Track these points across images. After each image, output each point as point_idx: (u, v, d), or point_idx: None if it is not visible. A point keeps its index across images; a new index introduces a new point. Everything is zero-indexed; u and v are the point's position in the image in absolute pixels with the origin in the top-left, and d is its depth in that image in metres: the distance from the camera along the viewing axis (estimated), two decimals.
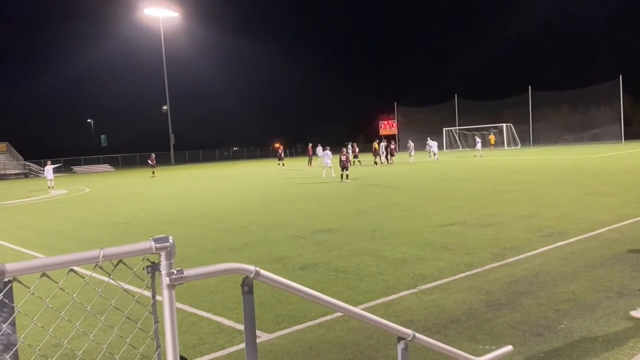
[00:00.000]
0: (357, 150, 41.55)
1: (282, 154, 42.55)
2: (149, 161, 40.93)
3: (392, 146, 39.74)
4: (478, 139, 49.38)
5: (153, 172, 39.71)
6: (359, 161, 40.20)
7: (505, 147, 60.60)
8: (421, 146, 53.73)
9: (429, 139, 45.44)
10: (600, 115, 62.00)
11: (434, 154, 41.86)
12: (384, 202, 15.16)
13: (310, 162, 43.63)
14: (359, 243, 9.40)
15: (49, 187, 30.73)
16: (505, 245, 8.57)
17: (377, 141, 41.44)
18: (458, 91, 74.02)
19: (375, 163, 37.98)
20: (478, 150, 45.83)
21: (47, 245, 11.28)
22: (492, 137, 59.31)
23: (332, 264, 7.92)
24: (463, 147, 67.91)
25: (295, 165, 44.91)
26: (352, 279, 7.03)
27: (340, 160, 24.29)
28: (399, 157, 43.39)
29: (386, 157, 38.82)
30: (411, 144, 42.98)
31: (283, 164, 41.44)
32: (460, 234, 9.67)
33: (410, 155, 42.19)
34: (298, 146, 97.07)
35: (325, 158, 28.31)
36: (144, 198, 21.71)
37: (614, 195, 13.62)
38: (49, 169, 31.66)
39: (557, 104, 66.12)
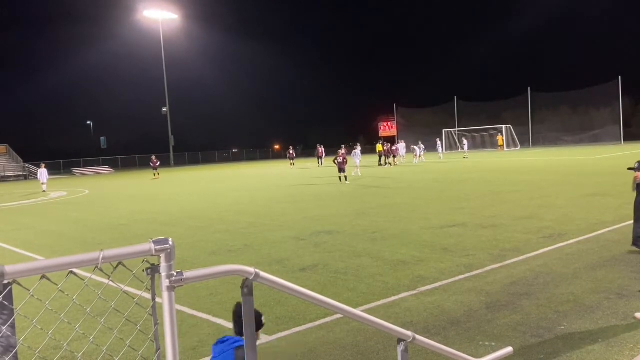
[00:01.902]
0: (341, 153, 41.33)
1: (294, 154, 48.57)
2: (150, 163, 40.34)
3: (394, 147, 40.05)
4: (465, 141, 50.79)
5: (155, 174, 39.10)
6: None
7: (505, 149, 60.58)
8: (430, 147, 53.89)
9: (437, 142, 46.53)
10: (600, 117, 62.01)
11: (411, 156, 42.54)
12: (383, 203, 15.17)
13: (320, 162, 45.04)
14: (358, 244, 9.40)
15: (42, 190, 29.33)
16: (505, 246, 8.57)
17: (381, 142, 41.88)
18: (458, 93, 74.17)
19: (382, 164, 38.13)
20: (464, 151, 47.89)
21: (47, 247, 11.27)
22: (500, 138, 59.60)
23: (332, 266, 7.92)
24: (463, 148, 67.88)
25: (303, 165, 45.66)
26: (352, 281, 7.03)
27: (338, 162, 24.35)
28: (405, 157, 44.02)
29: (384, 157, 39.13)
30: (416, 147, 43.31)
31: (293, 164, 46.31)
32: (460, 236, 9.67)
33: (415, 156, 42.52)
34: (297, 148, 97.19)
35: (355, 157, 29.86)
36: (143, 200, 21.71)
37: (614, 196, 13.63)
38: (42, 171, 30.15)
39: (556, 106, 66.19)
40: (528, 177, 21.16)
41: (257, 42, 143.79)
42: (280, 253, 9.12)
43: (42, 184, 29.95)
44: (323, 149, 45.88)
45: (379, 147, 41.79)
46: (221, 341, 2.73)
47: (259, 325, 2.83)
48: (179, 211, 16.47)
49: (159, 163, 40.40)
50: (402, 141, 43.35)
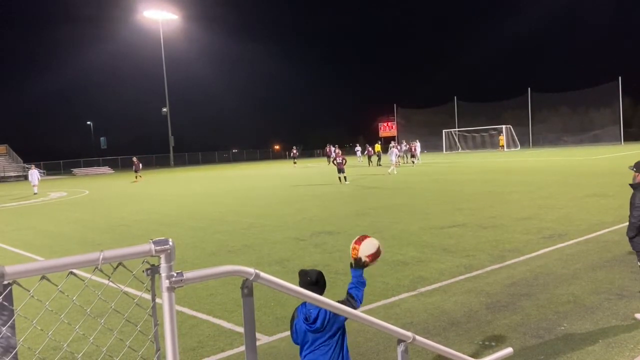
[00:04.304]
0: (340, 154, 38.87)
1: (297, 153, 50.29)
2: (133, 166, 37.67)
3: (406, 146, 40.17)
4: (393, 147, 34.36)
5: (137, 177, 36.67)
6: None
7: (505, 149, 60.61)
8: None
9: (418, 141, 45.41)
10: (600, 117, 62.01)
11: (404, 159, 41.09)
12: (383, 204, 15.16)
13: (329, 162, 45.71)
14: None
15: (34, 193, 28.23)
16: (505, 247, 8.57)
17: (380, 143, 42.32)
18: (458, 93, 74.17)
19: (380, 164, 38.51)
20: (394, 162, 31.11)
21: (47, 248, 11.27)
22: (501, 139, 59.77)
23: (332, 266, 7.92)
24: (463, 149, 67.95)
25: (304, 165, 45.89)
26: None
27: (337, 163, 24.43)
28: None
29: (375, 159, 39.57)
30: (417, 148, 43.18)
31: (295, 163, 47.85)
32: (460, 236, 9.67)
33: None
34: (298, 147, 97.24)
35: (392, 155, 30.82)
36: (143, 200, 21.70)
37: (614, 197, 13.62)
38: (33, 172, 29.05)
39: (556, 106, 66.19)
40: (528, 178, 21.16)
41: (257, 42, 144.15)
42: (280, 253, 9.12)
43: (33, 185, 28.76)
44: (334, 149, 46.40)
45: (377, 147, 42.15)
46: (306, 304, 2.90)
47: (324, 285, 3.12)
48: (179, 211, 16.47)
49: (140, 165, 37.95)
50: (405, 141, 43.30)
